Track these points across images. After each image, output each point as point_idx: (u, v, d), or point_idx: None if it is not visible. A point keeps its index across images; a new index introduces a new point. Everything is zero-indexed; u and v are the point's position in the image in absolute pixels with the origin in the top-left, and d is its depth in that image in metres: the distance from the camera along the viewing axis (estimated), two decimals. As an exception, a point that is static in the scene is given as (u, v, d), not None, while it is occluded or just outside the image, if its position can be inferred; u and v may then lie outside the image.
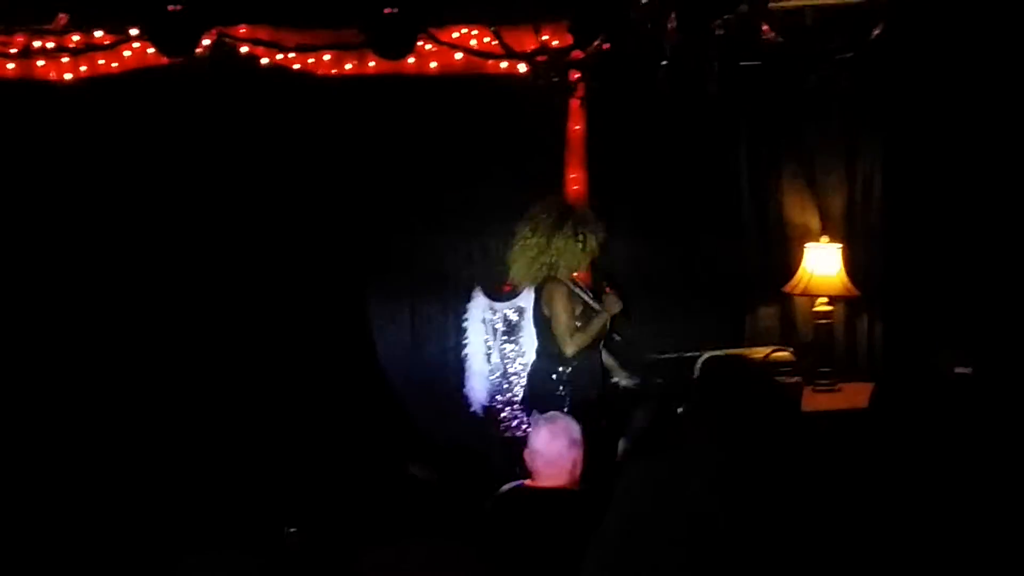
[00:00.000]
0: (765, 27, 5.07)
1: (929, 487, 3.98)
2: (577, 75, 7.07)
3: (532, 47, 7.03)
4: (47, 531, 6.73)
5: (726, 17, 4.95)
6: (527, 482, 5.54)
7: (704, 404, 4.12)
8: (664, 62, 5.11)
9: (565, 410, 6.17)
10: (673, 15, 4.95)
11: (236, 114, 7.43)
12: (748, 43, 5.13)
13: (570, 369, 6.82)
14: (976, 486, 3.94)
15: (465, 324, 7.54)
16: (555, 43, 6.80)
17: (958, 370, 5.02)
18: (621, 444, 6.44)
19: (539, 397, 6.79)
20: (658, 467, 3.97)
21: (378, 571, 4.52)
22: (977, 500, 3.90)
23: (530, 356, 7.38)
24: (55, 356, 7.44)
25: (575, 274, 6.87)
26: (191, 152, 7.47)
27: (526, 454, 5.66)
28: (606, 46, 5.40)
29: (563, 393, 6.73)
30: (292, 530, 5.80)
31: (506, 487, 5.88)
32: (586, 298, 6.85)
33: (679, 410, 4.08)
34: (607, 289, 6.86)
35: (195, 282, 7.59)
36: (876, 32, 4.92)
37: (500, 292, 7.41)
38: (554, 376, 6.77)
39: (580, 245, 6.76)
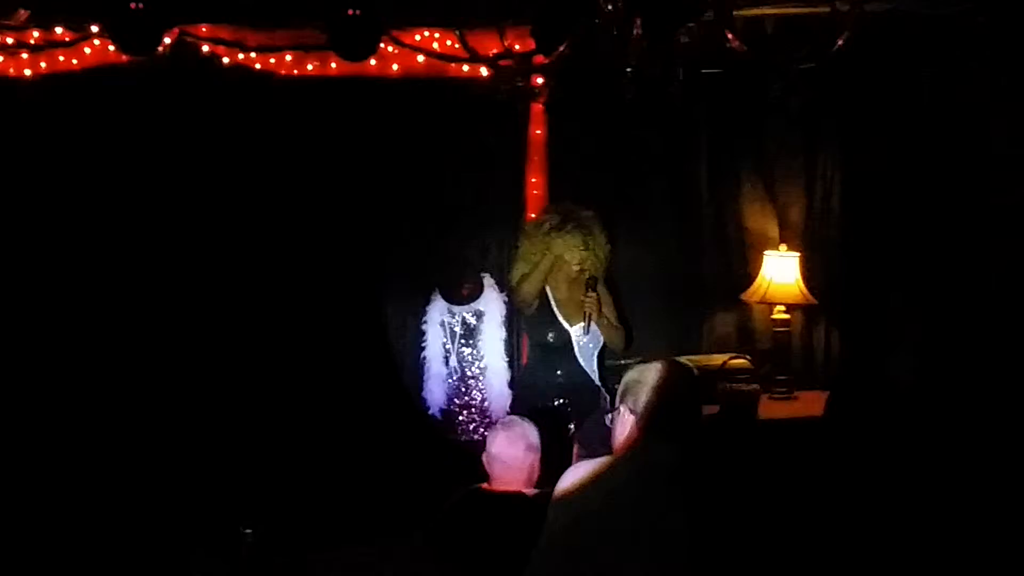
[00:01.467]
0: (730, 35, 5.09)
1: (880, 493, 4.01)
2: (540, 80, 7.08)
3: (495, 51, 7.01)
4: (36, 529, 6.73)
5: (691, 25, 4.97)
6: (484, 485, 5.55)
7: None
8: (628, 68, 5.13)
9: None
10: (638, 22, 4.97)
11: (196, 113, 7.39)
12: (713, 51, 5.16)
13: (524, 373, 6.89)
14: (926, 490, 3.98)
15: (424, 327, 7.53)
16: (517, 47, 6.79)
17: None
18: (575, 449, 6.48)
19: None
20: (598, 472, 3.98)
21: (332, 571, 4.53)
22: (927, 504, 3.94)
23: (488, 360, 7.40)
24: (22, 360, 7.39)
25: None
26: (150, 151, 7.43)
27: (484, 458, 5.67)
28: (570, 51, 5.41)
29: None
30: (248, 530, 5.78)
31: (462, 490, 5.89)
32: (552, 302, 6.89)
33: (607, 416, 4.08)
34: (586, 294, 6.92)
35: (149, 282, 7.54)
36: (840, 43, 4.95)
37: (459, 295, 7.40)
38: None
39: (581, 246, 6.82)
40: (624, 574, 3.68)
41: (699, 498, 3.82)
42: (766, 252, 7.68)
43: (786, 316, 7.61)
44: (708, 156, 7.83)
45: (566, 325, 6.90)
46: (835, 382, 7.14)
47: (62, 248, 7.41)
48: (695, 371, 4.17)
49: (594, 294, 6.77)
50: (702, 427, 4.06)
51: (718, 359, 7.31)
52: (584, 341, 6.87)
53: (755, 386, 7.22)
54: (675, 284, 7.81)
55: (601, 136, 7.52)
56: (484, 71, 7.16)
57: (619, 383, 4.06)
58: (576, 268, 6.85)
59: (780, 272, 7.55)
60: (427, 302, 7.55)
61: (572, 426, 6.80)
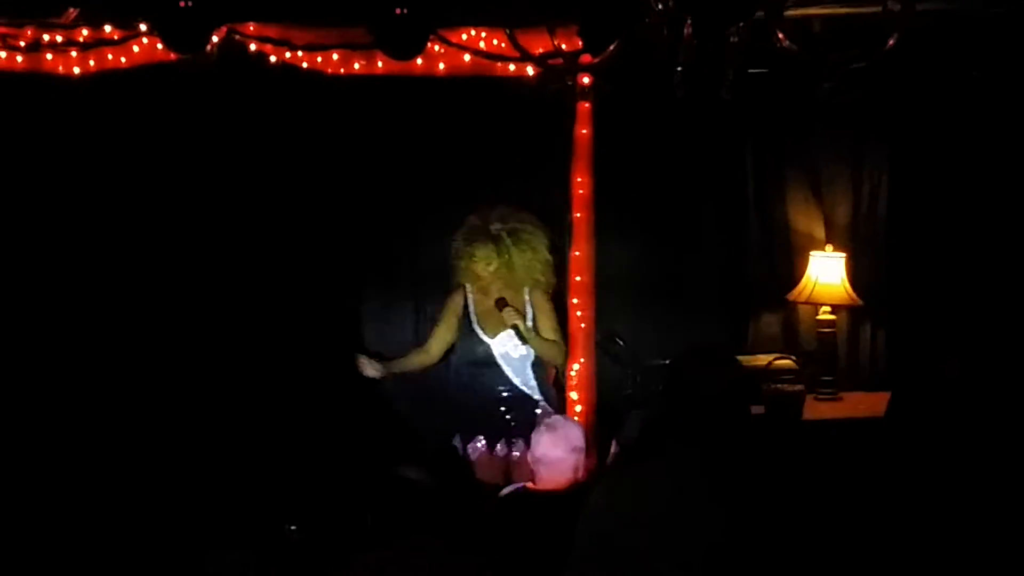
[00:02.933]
0: (780, 35, 5.07)
1: (941, 495, 3.98)
2: (587, 79, 7.07)
3: (542, 50, 7.01)
4: (51, 529, 6.76)
5: (742, 24, 4.97)
6: (529, 484, 5.55)
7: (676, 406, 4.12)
8: (679, 68, 5.12)
9: None
10: (689, 21, 4.97)
11: (243, 112, 7.41)
12: (762, 51, 5.14)
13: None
14: (986, 494, 3.95)
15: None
16: (564, 47, 6.78)
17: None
18: (612, 448, 6.48)
19: None
20: (636, 473, 3.98)
21: (374, 572, 4.53)
22: (987, 509, 3.90)
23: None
24: (67, 353, 7.41)
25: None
26: (197, 149, 7.46)
27: (528, 458, 5.69)
28: (618, 51, 5.40)
29: None
30: (292, 527, 5.80)
31: (508, 489, 5.90)
32: (472, 315, 7.09)
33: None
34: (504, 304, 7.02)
35: (198, 280, 7.58)
36: (890, 43, 4.92)
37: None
38: None
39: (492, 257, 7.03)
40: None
41: (735, 498, 3.81)
42: (812, 252, 7.66)
43: (832, 317, 7.59)
44: (754, 156, 7.82)
45: (485, 337, 7.03)
46: (897, 383, 7.12)
47: (111, 244, 7.43)
48: (736, 370, 4.16)
49: (511, 307, 6.93)
50: (740, 427, 4.06)
51: (763, 359, 7.29)
52: (508, 352, 6.93)
53: (800, 387, 7.19)
54: (720, 284, 7.79)
55: (647, 136, 7.50)
56: (530, 70, 7.15)
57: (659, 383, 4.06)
58: (487, 279, 6.94)
59: (826, 272, 7.53)
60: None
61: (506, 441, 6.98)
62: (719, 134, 7.67)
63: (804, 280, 7.61)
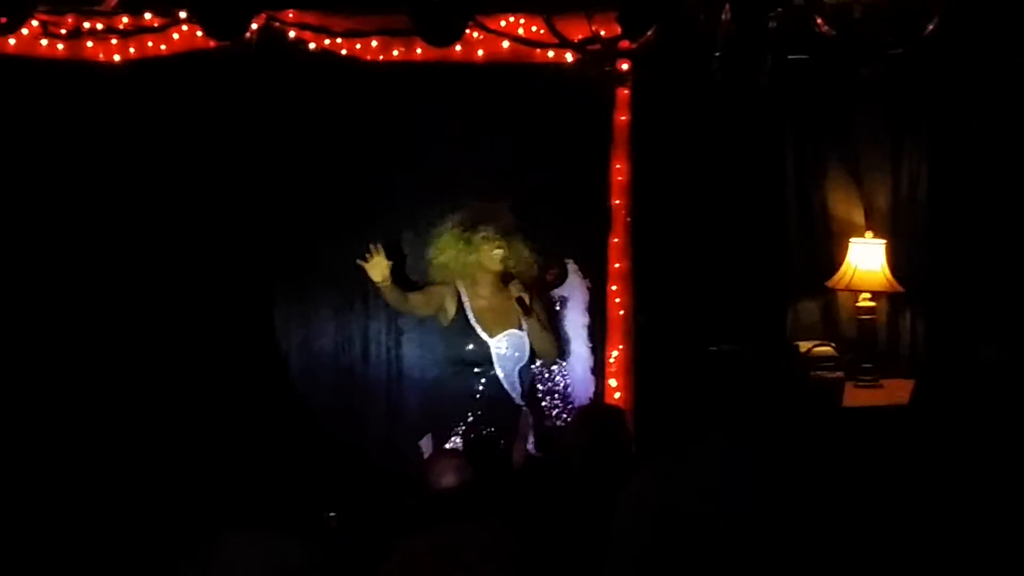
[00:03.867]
0: (819, 20, 5.06)
1: (969, 483, 3.96)
2: (626, 66, 7.06)
3: (581, 36, 7.03)
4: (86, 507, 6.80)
5: (780, 9, 4.96)
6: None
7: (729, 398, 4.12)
8: (717, 54, 5.12)
9: None
10: (728, 7, 4.96)
11: (283, 98, 7.42)
12: (801, 36, 5.13)
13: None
14: (1016, 482, 3.93)
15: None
16: (603, 33, 6.77)
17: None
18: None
19: None
20: (678, 464, 3.98)
21: (415, 557, 4.54)
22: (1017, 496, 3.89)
23: (572, 345, 7.38)
24: (110, 339, 7.45)
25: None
26: (235, 136, 7.47)
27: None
28: (657, 37, 5.40)
29: None
30: (332, 514, 5.82)
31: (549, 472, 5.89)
32: (469, 312, 6.95)
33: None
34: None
35: (240, 264, 7.60)
36: (930, 27, 4.90)
37: (543, 281, 7.39)
38: None
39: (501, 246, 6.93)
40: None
41: (777, 488, 3.81)
42: (852, 239, 7.63)
43: (871, 303, 7.57)
44: (794, 142, 7.78)
45: (485, 337, 6.91)
46: (923, 369, 7.10)
47: (152, 231, 7.46)
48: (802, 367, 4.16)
49: (535, 300, 6.91)
50: (788, 418, 4.05)
51: (803, 346, 7.28)
52: (505, 352, 6.89)
53: (839, 373, 7.19)
54: (760, 271, 7.75)
55: (686, 122, 7.47)
56: (569, 57, 7.16)
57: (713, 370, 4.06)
58: (499, 269, 6.91)
59: (866, 259, 7.50)
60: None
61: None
62: (758, 120, 7.61)
63: (844, 267, 7.59)
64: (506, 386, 6.94)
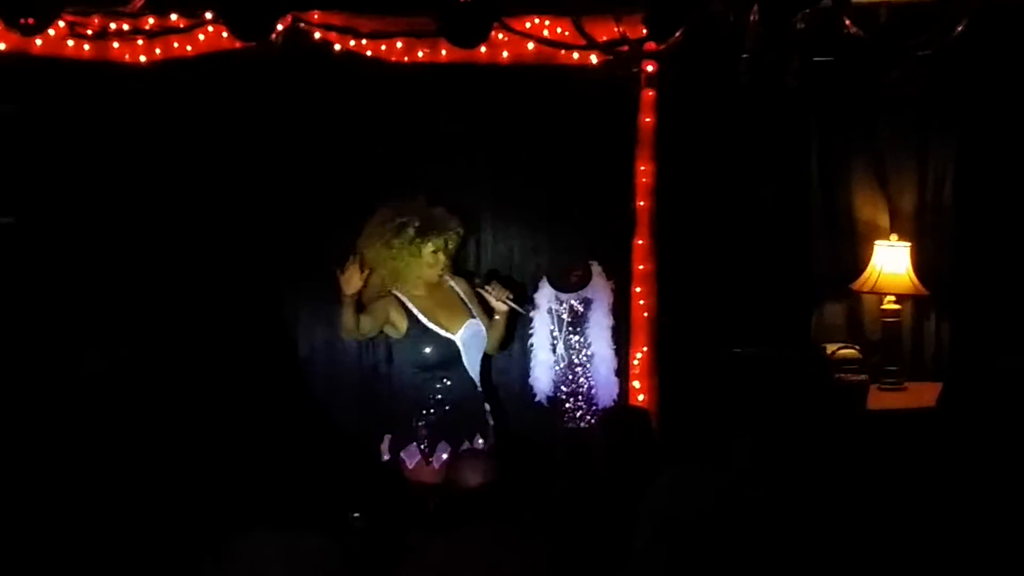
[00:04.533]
0: (847, 21, 5.05)
1: (993, 487, 3.96)
2: (653, 66, 7.06)
3: (606, 38, 7.02)
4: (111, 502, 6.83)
5: (808, 11, 4.95)
6: None
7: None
8: (744, 55, 5.11)
9: None
10: (756, 8, 4.95)
11: (308, 99, 7.44)
12: (828, 38, 5.11)
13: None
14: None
15: (532, 314, 7.52)
16: (628, 34, 6.76)
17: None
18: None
19: None
20: (705, 463, 3.99)
21: (440, 558, 4.55)
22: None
23: (595, 347, 7.38)
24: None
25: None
26: (262, 137, 7.49)
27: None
28: (684, 38, 5.40)
29: None
30: (356, 515, 5.82)
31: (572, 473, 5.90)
32: (420, 317, 6.93)
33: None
34: (487, 288, 7.01)
35: (259, 265, 7.62)
36: (959, 29, 4.88)
37: (567, 282, 7.39)
38: None
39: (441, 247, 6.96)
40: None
41: (800, 491, 3.81)
42: (876, 242, 7.62)
43: (896, 306, 7.56)
44: (819, 144, 7.77)
45: (446, 333, 6.95)
46: (949, 373, 7.09)
47: (177, 230, 7.48)
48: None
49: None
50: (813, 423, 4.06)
51: (827, 349, 7.27)
52: (469, 342, 6.98)
53: (864, 376, 7.19)
54: (784, 273, 7.73)
55: (711, 124, 7.45)
56: (594, 59, 7.16)
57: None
58: (440, 271, 6.97)
59: (891, 262, 7.50)
60: (535, 289, 7.53)
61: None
62: (783, 122, 7.60)
63: (868, 269, 7.58)
64: (473, 376, 7.05)
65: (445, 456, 6.82)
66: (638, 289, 7.38)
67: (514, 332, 7.38)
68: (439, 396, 6.92)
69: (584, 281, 7.39)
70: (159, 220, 7.42)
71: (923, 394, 7.17)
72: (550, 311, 7.46)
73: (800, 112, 7.60)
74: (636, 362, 7.37)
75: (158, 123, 7.39)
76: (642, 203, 7.35)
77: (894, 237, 7.59)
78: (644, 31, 6.63)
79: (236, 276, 7.55)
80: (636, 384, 7.36)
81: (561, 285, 7.42)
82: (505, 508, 4.81)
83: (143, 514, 6.84)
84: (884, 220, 7.79)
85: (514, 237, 7.76)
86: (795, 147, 7.74)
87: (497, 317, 7.05)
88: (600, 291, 7.41)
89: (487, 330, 7.07)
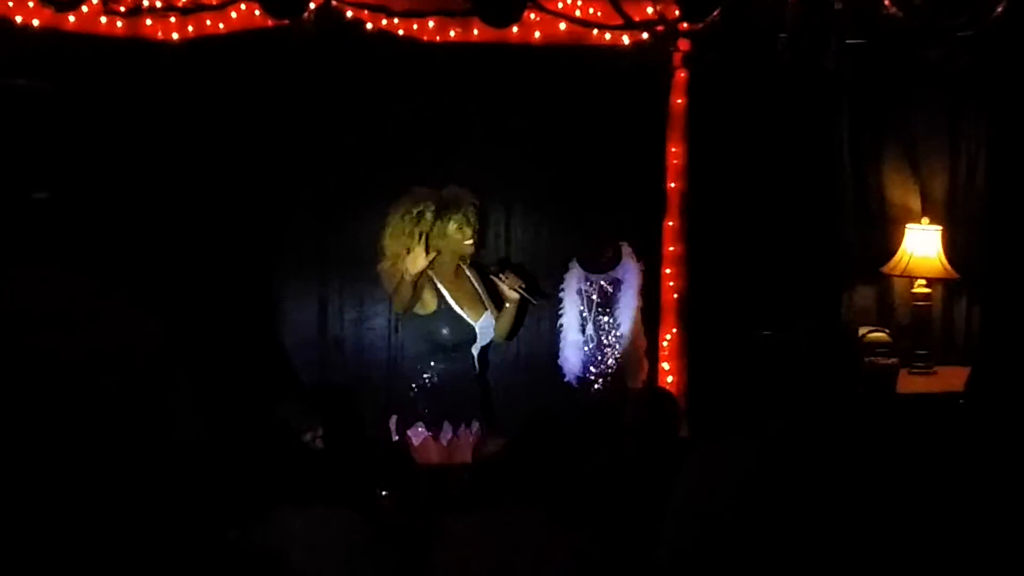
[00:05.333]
0: (886, 1, 5.02)
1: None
2: (685, 47, 7.05)
3: (639, 19, 7.01)
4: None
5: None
6: None
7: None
8: (782, 35, 5.09)
9: None
10: (795, -12, 4.94)
11: (339, 78, 7.44)
12: (868, 18, 5.09)
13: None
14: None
15: (561, 295, 7.52)
16: (663, 14, 6.76)
17: None
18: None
19: None
20: (733, 444, 3.98)
21: (469, 538, 4.56)
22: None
23: (624, 328, 7.37)
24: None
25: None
26: (294, 115, 7.50)
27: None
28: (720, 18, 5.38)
29: None
30: (384, 493, 5.83)
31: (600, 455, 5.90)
32: (450, 301, 6.95)
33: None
34: (501, 276, 7.00)
35: (291, 245, 7.64)
36: (999, 10, 4.85)
37: (597, 263, 7.39)
38: None
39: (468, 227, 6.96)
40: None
41: (829, 475, 3.80)
42: (908, 225, 7.60)
43: (927, 290, 7.53)
44: (850, 126, 7.72)
45: (470, 320, 6.97)
46: (978, 357, 7.06)
47: (208, 209, 7.48)
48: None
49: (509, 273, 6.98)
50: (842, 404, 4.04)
51: (857, 331, 7.26)
52: (484, 332, 7.03)
53: (894, 360, 7.17)
54: (815, 256, 7.71)
55: (742, 105, 7.43)
56: (626, 39, 7.14)
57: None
58: (471, 242, 6.97)
59: (922, 245, 7.47)
60: (565, 270, 7.52)
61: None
62: (814, 104, 7.57)
63: (899, 253, 7.55)
64: (477, 364, 7.15)
65: (450, 436, 6.89)
66: (668, 271, 7.38)
67: (522, 322, 7.34)
68: (439, 373, 6.96)
69: (614, 262, 7.39)
70: (192, 197, 7.41)
71: (953, 378, 7.14)
72: (579, 291, 7.46)
73: (832, 94, 7.57)
74: (665, 344, 7.37)
75: (189, 101, 7.38)
76: (673, 185, 7.35)
77: (925, 220, 7.57)
78: (677, 11, 6.62)
79: (268, 252, 7.61)
80: (665, 366, 7.36)
81: (591, 266, 7.42)
82: (533, 488, 4.80)
83: (165, 494, 6.84)
84: (916, 203, 7.76)
85: (544, 218, 7.76)
86: (827, 129, 7.70)
87: (508, 305, 7.04)
88: (630, 272, 7.40)
89: (495, 320, 7.09)
